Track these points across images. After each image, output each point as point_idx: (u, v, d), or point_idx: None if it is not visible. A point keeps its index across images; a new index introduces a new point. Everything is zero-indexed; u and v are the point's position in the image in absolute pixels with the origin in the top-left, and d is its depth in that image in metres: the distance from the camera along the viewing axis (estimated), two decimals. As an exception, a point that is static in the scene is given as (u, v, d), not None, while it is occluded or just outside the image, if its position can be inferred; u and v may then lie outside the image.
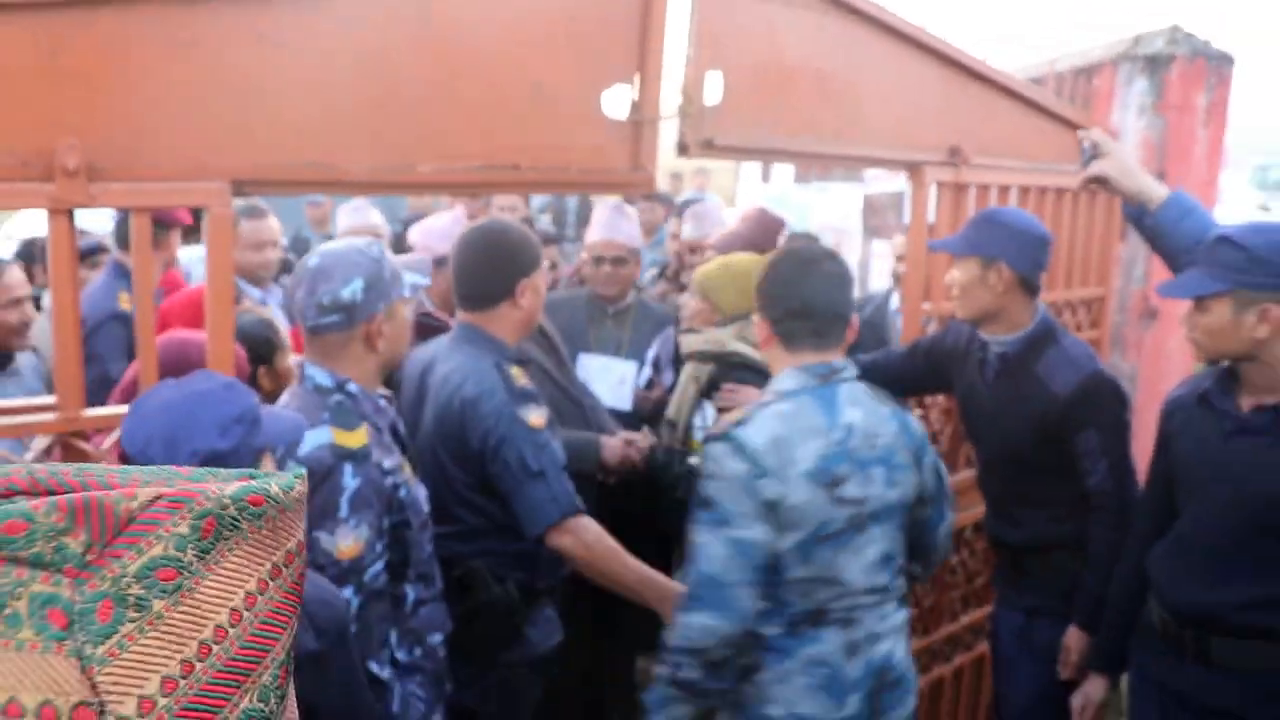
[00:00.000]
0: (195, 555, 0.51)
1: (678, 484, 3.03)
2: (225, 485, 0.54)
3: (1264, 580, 2.02)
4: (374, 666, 1.94)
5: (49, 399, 1.79)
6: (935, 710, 3.20)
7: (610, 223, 3.43)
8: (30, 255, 3.98)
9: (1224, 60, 3.37)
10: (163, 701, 0.49)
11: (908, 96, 2.70)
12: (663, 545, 3.27)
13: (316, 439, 1.92)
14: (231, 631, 0.52)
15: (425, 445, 2.42)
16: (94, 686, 0.48)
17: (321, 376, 2.02)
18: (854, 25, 2.52)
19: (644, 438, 3.02)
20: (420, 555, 2.09)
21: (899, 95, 2.67)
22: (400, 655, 2.04)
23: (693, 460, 2.77)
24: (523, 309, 2.47)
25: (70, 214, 1.68)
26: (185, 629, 0.50)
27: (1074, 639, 2.48)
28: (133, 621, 0.49)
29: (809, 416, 2.03)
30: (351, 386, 2.02)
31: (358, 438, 1.95)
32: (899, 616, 2.17)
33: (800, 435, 2.00)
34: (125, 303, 3.22)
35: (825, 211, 9.25)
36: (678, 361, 3.24)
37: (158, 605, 0.49)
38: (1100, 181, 2.41)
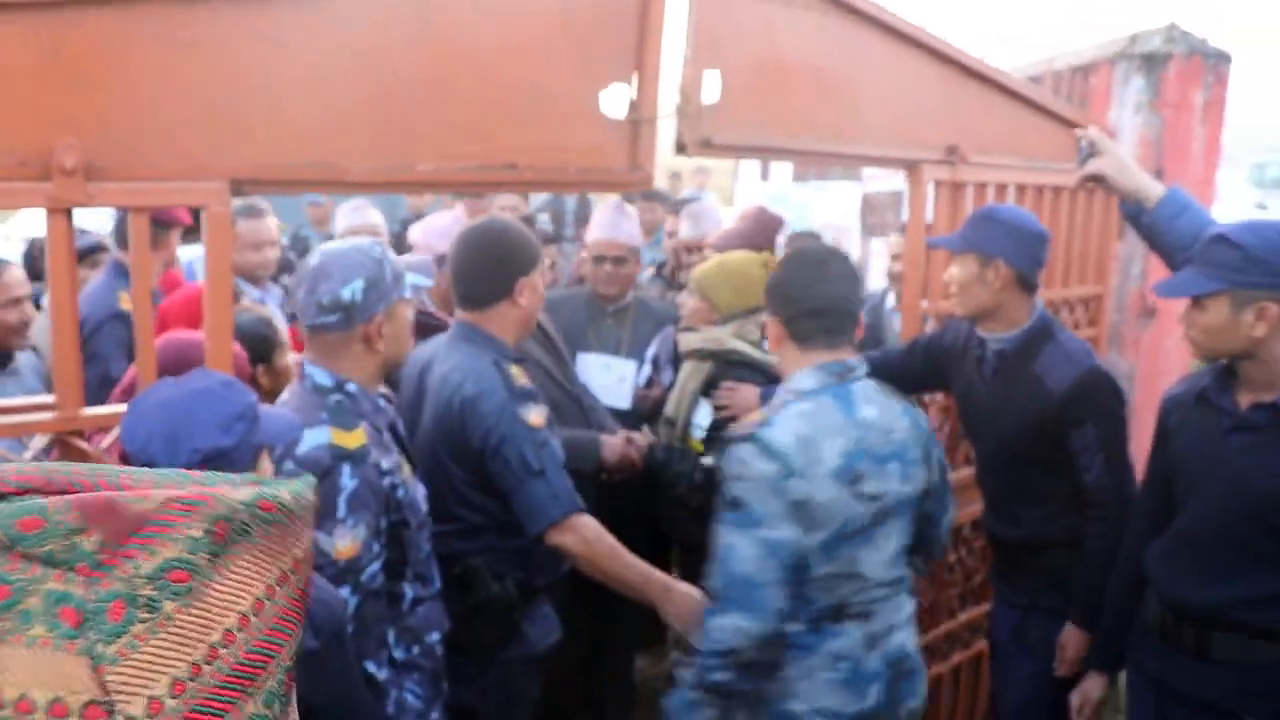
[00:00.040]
0: (207, 559, 0.51)
1: (677, 482, 3.03)
2: (237, 490, 0.54)
3: (1263, 577, 2.02)
4: (371, 667, 1.94)
5: (48, 398, 1.79)
6: (934, 707, 3.20)
7: (611, 222, 3.43)
8: (35, 255, 3.98)
9: (1221, 58, 3.38)
10: (171, 703, 0.49)
11: (906, 95, 2.70)
12: (661, 543, 3.28)
13: (315, 439, 1.92)
14: (239, 636, 0.52)
15: (424, 444, 2.42)
16: (104, 685, 0.48)
17: (321, 376, 2.02)
18: (852, 24, 2.52)
19: (644, 436, 3.03)
20: (418, 555, 2.09)
21: (897, 94, 2.68)
22: (398, 654, 2.04)
23: (706, 461, 2.77)
24: (521, 308, 2.47)
25: (68, 213, 1.68)
26: (195, 631, 0.50)
27: (1070, 636, 2.49)
28: (144, 622, 0.49)
29: (830, 415, 2.05)
30: (351, 386, 2.03)
31: (356, 438, 1.95)
32: (910, 607, 2.22)
33: (824, 434, 2.01)
34: (125, 302, 3.22)
35: (824, 210, 9.27)
36: (677, 360, 3.24)
37: (169, 607, 0.50)
38: (1097, 179, 2.42)
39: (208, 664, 0.50)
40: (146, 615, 0.49)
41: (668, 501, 3.08)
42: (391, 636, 2.04)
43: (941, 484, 2.26)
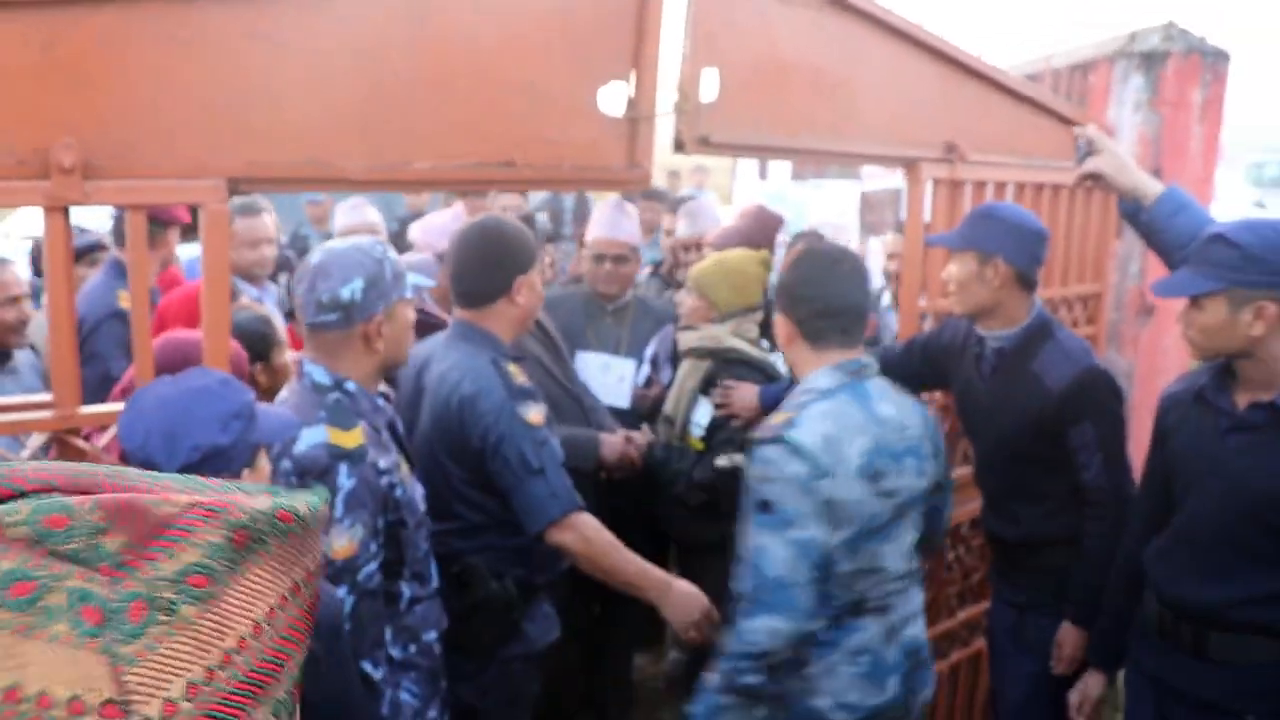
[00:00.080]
0: (225, 565, 0.52)
1: (676, 481, 3.03)
2: (256, 499, 0.55)
3: (1261, 576, 2.02)
4: (367, 666, 1.94)
5: (45, 396, 1.79)
6: (932, 706, 3.20)
7: (611, 221, 3.43)
8: (39, 253, 3.97)
9: (1219, 57, 3.38)
10: (185, 706, 0.50)
11: (904, 93, 2.70)
12: (660, 541, 3.28)
13: (312, 438, 1.92)
14: (253, 643, 0.53)
15: (423, 443, 2.42)
16: (122, 685, 0.48)
17: (320, 374, 2.02)
18: (850, 22, 2.52)
19: (643, 435, 3.03)
20: (416, 554, 2.09)
21: (895, 92, 2.67)
22: (395, 652, 2.04)
23: (720, 462, 2.77)
24: (520, 306, 2.47)
25: (66, 211, 1.68)
26: (211, 636, 0.51)
27: (1066, 634, 2.49)
28: (162, 624, 0.50)
29: (851, 413, 2.07)
30: (349, 385, 2.02)
31: (354, 437, 1.95)
32: (921, 598, 2.26)
33: (847, 433, 2.04)
34: (124, 301, 3.21)
35: (822, 208, 9.28)
36: (675, 359, 3.24)
37: (187, 611, 0.51)
38: (1095, 177, 2.42)
39: (222, 669, 0.51)
40: (165, 618, 0.50)
41: (667, 500, 3.09)
42: (389, 635, 2.03)
43: (946, 478, 2.32)
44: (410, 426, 2.42)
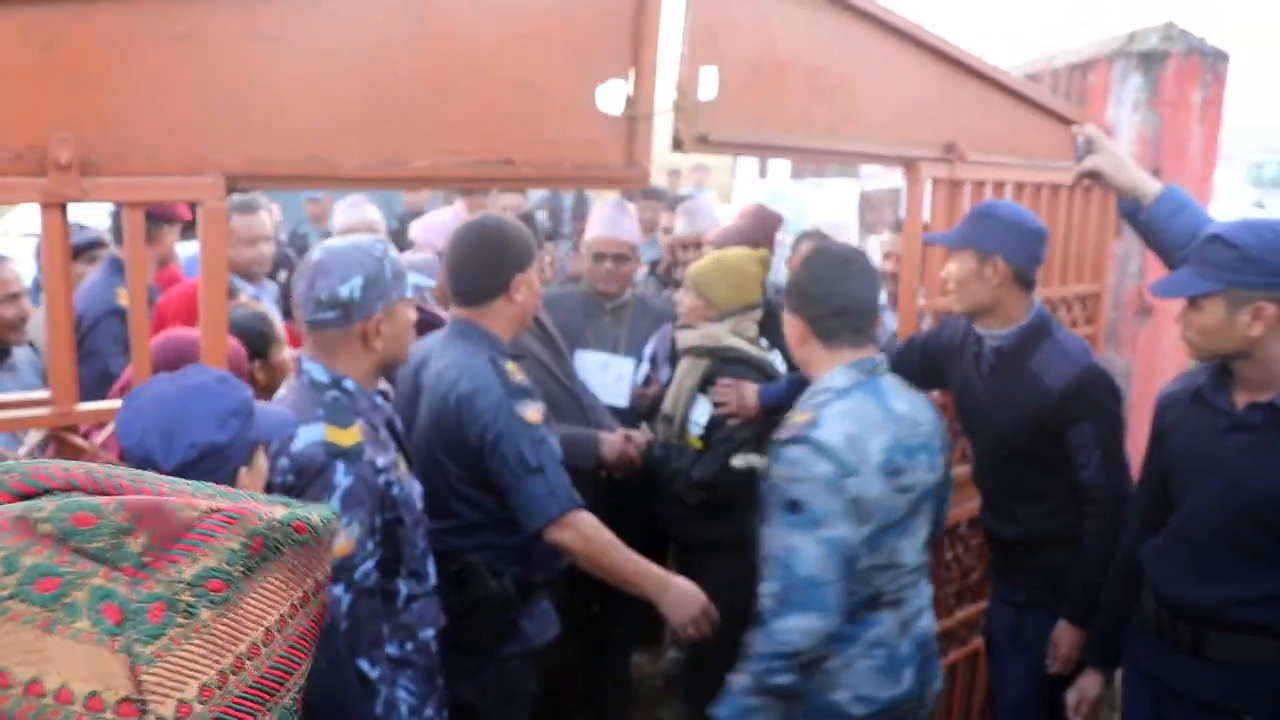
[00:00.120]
0: (242, 572, 0.54)
1: (674, 479, 3.04)
2: (273, 509, 0.56)
3: (1259, 576, 2.02)
4: (364, 665, 1.94)
5: (43, 393, 1.79)
6: (930, 705, 3.21)
7: (612, 219, 3.43)
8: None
9: (1219, 57, 3.38)
10: (199, 708, 0.51)
11: (903, 92, 2.70)
12: (658, 540, 3.28)
13: (310, 435, 1.92)
14: (264, 650, 0.54)
15: (421, 441, 2.42)
16: (139, 684, 0.49)
17: (318, 372, 2.02)
18: (849, 21, 2.52)
19: (642, 434, 3.03)
20: (413, 552, 2.09)
21: (894, 91, 2.67)
22: (391, 650, 2.04)
23: (736, 463, 2.77)
24: (517, 304, 2.47)
25: (63, 208, 1.68)
26: (226, 641, 0.52)
27: (1063, 633, 2.49)
28: (180, 626, 0.51)
29: (869, 411, 2.11)
30: (348, 383, 2.02)
31: (351, 435, 1.95)
32: (929, 591, 2.30)
33: (868, 431, 2.07)
34: (123, 298, 3.22)
35: (822, 207, 9.28)
36: (674, 357, 3.24)
37: (205, 614, 0.52)
38: (1094, 176, 2.42)
39: (234, 674, 0.52)
40: (184, 620, 0.51)
41: (665, 499, 3.09)
42: (385, 632, 2.03)
43: (949, 472, 2.37)
44: (408, 424, 2.42)
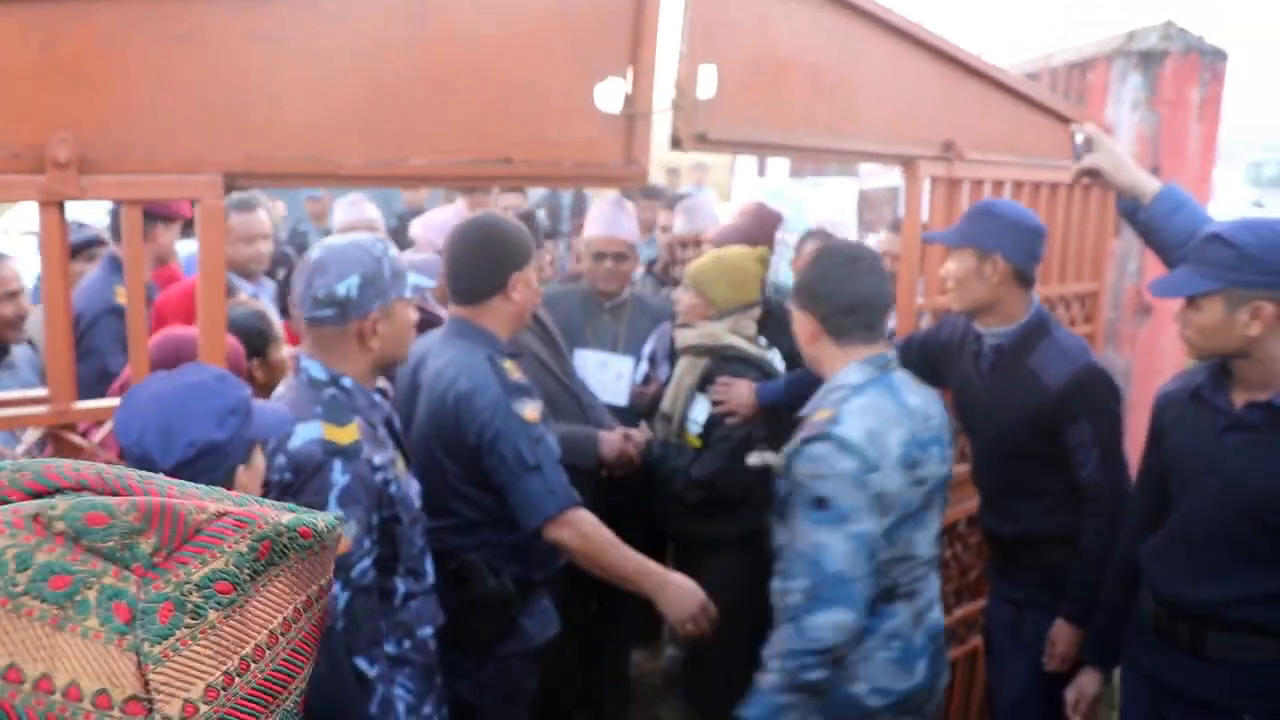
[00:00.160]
0: (249, 575, 0.54)
1: (673, 478, 3.04)
2: (279, 513, 0.57)
3: (1258, 575, 2.02)
4: (363, 663, 1.94)
5: (41, 392, 1.79)
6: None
7: (611, 218, 3.43)
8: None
9: (1218, 56, 3.38)
10: (204, 709, 0.51)
11: (902, 91, 2.70)
12: (657, 539, 3.28)
13: (307, 433, 1.92)
14: (268, 653, 0.55)
15: (419, 439, 2.42)
16: (146, 683, 0.50)
17: (316, 369, 2.02)
18: (848, 19, 2.52)
19: (642, 433, 3.03)
20: (411, 550, 2.09)
21: (893, 90, 2.67)
22: (389, 648, 2.04)
23: (752, 461, 2.78)
24: (515, 302, 2.47)
25: (61, 206, 1.68)
26: (232, 643, 0.53)
27: (1060, 631, 2.50)
28: (188, 627, 0.51)
29: (885, 406, 2.13)
30: (346, 381, 2.02)
31: (348, 433, 1.95)
32: (938, 583, 2.33)
33: (887, 425, 2.10)
34: (121, 296, 3.21)
35: (821, 206, 9.28)
36: (673, 356, 3.24)
37: (212, 616, 0.52)
38: (1093, 175, 2.42)
39: (239, 675, 0.53)
40: (192, 621, 0.52)
41: (664, 497, 3.09)
42: (383, 631, 2.03)
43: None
44: (406, 423, 2.42)
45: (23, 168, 1.62)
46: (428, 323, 2.83)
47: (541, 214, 5.30)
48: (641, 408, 3.31)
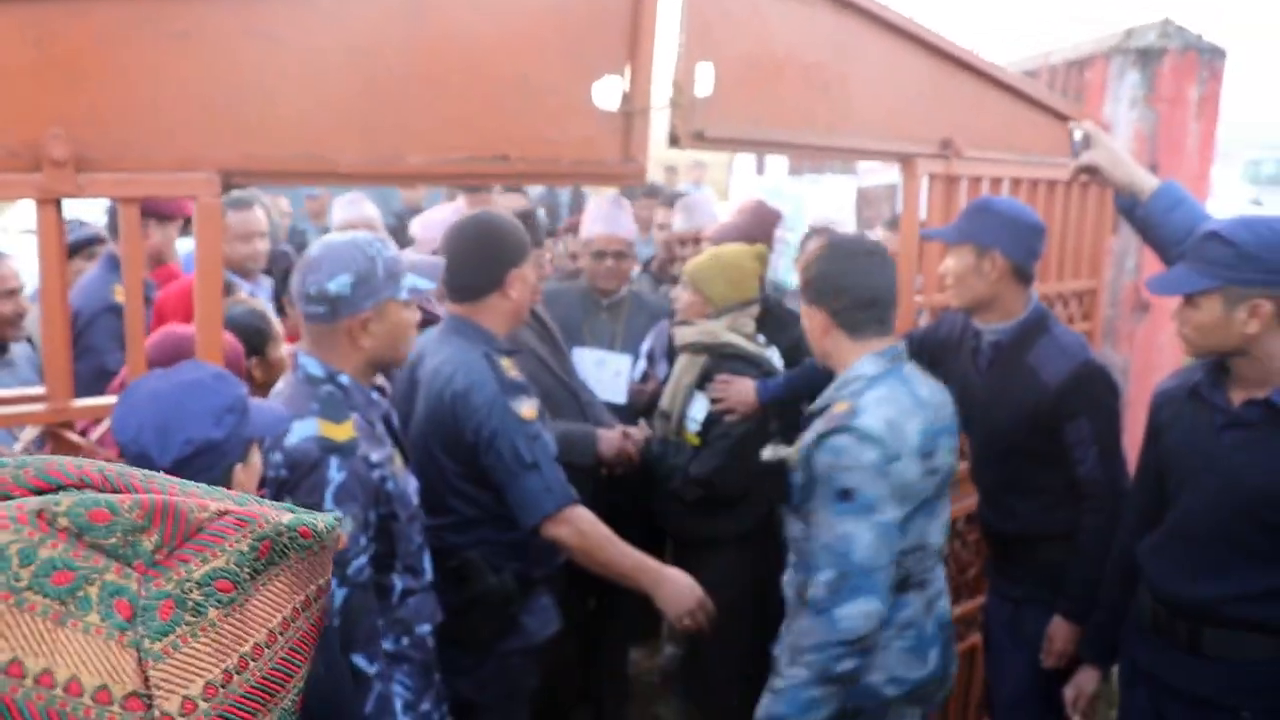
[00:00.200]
0: (250, 574, 0.55)
1: (672, 476, 3.04)
2: (280, 513, 0.58)
3: (1256, 572, 2.02)
4: (360, 661, 1.94)
5: (39, 389, 1.79)
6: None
7: (611, 216, 3.43)
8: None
9: (1216, 54, 3.38)
10: (203, 705, 0.52)
11: (899, 88, 2.70)
12: (656, 537, 3.28)
13: (303, 430, 1.92)
14: (267, 652, 0.55)
15: (417, 437, 2.42)
16: (146, 680, 0.50)
17: (313, 366, 2.01)
18: (845, 17, 2.52)
19: (640, 431, 3.03)
20: (408, 547, 2.09)
21: (891, 87, 2.67)
22: (387, 645, 2.04)
23: (766, 455, 2.79)
24: (512, 300, 2.47)
25: (58, 204, 1.68)
26: (231, 641, 0.54)
27: (1058, 628, 2.50)
28: (188, 625, 0.52)
29: (901, 397, 2.15)
30: (343, 378, 2.02)
31: (345, 430, 1.95)
32: (944, 573, 2.36)
33: (904, 416, 2.12)
34: (120, 294, 3.21)
35: (819, 203, 9.28)
36: (671, 354, 3.24)
37: (213, 613, 0.53)
38: (1091, 172, 2.42)
39: (238, 673, 0.53)
40: (192, 618, 0.52)
41: (663, 495, 3.09)
42: (381, 628, 2.03)
43: None
44: (405, 420, 2.42)
45: (20, 166, 1.62)
46: (426, 321, 2.83)
47: (541, 213, 5.29)
48: (640, 405, 3.31)
